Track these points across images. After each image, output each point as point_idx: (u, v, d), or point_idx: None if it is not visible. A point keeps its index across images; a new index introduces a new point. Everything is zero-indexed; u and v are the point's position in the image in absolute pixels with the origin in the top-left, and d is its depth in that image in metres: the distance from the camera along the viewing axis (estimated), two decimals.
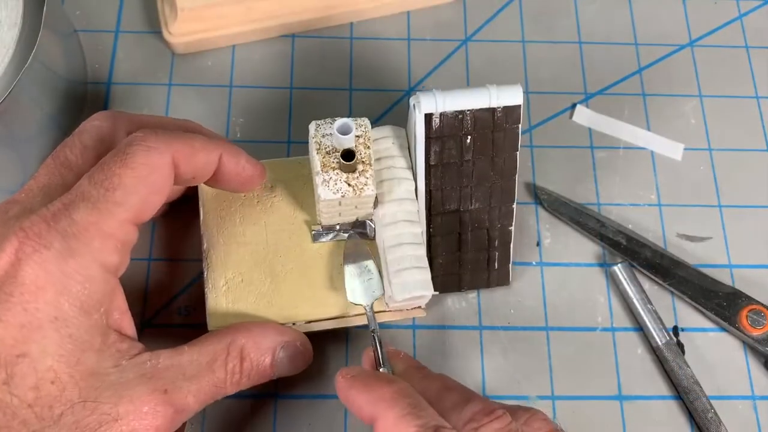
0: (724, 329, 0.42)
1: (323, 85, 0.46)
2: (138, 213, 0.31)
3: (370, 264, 0.37)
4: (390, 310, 0.38)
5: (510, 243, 0.40)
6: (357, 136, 0.35)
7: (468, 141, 0.36)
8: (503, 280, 0.41)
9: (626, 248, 0.42)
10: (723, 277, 0.43)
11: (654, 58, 0.49)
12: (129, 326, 0.32)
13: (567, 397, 0.40)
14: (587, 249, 0.43)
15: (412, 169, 0.37)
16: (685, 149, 0.46)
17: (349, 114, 0.46)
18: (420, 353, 0.40)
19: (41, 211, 0.29)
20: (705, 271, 0.42)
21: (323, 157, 0.34)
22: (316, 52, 0.47)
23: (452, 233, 0.38)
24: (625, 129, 0.46)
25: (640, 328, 0.41)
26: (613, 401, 0.40)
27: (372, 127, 0.36)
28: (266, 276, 0.37)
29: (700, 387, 0.39)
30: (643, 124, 0.47)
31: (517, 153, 0.38)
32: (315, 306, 0.37)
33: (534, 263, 0.43)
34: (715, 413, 0.39)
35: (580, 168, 0.45)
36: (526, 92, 0.47)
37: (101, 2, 0.48)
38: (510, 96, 0.35)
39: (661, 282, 0.42)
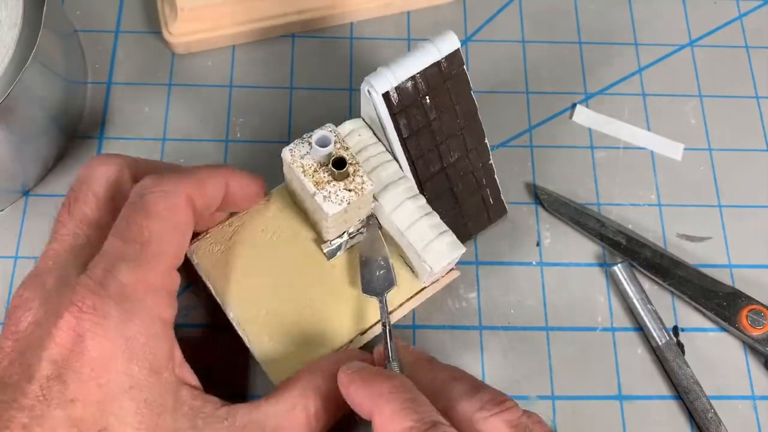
0: (724, 329, 0.42)
1: (323, 85, 0.46)
2: (175, 258, 0.31)
3: (384, 257, 0.37)
4: (428, 286, 0.38)
5: (494, 175, 0.40)
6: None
7: (428, 101, 0.36)
8: (501, 211, 0.41)
9: (626, 248, 0.42)
10: (723, 277, 0.43)
11: (654, 58, 0.49)
12: (191, 376, 0.31)
13: (567, 397, 0.40)
14: (587, 249, 0.43)
15: (389, 149, 0.37)
16: (685, 149, 0.46)
17: (350, 115, 0.46)
18: None
19: (84, 281, 0.28)
20: (705, 271, 0.42)
21: (312, 177, 0.34)
22: (316, 52, 0.47)
23: (445, 191, 0.39)
24: (625, 129, 0.46)
25: (640, 328, 0.41)
26: (613, 401, 0.40)
27: None
28: (301, 309, 0.37)
29: (700, 387, 0.39)
30: (643, 124, 0.47)
31: (471, 92, 0.38)
32: (357, 319, 0.37)
33: (534, 263, 0.43)
34: (715, 413, 0.39)
35: (580, 168, 0.45)
36: (526, 92, 0.47)
37: (101, 2, 0.48)
38: (447, 44, 0.36)
39: (661, 282, 0.42)
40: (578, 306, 0.42)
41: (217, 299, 0.37)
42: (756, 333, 0.40)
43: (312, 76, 0.47)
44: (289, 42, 0.47)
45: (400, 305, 0.38)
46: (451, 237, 0.36)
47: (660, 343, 0.40)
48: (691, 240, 0.44)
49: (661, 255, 0.42)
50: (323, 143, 0.34)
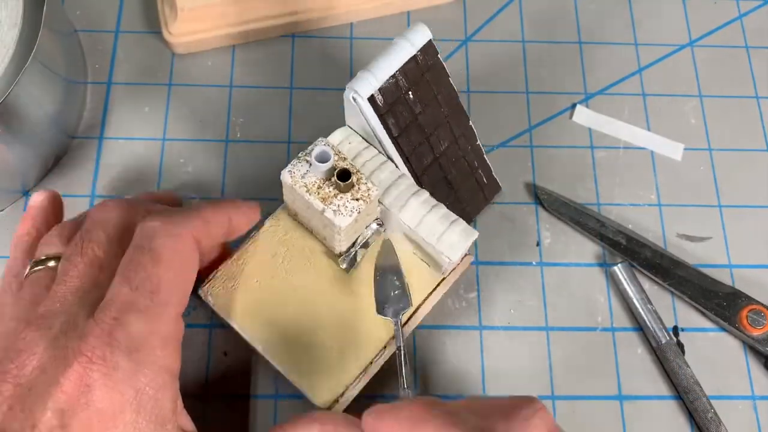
0: (724, 329, 0.42)
1: (323, 85, 0.46)
2: (182, 305, 0.31)
3: (398, 277, 0.37)
4: (447, 276, 0.38)
5: (483, 155, 0.41)
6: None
7: (411, 96, 0.36)
8: (495, 189, 0.42)
9: (626, 248, 0.42)
10: (723, 277, 0.43)
11: (654, 58, 0.49)
12: (188, 423, 0.31)
13: (567, 397, 0.40)
14: (587, 249, 0.43)
15: (381, 151, 0.37)
16: (685, 149, 0.46)
17: None
18: (420, 353, 0.40)
19: (94, 331, 0.28)
20: (705, 271, 0.42)
21: (318, 194, 0.34)
22: (316, 52, 0.47)
23: (440, 180, 0.39)
24: (625, 129, 0.46)
25: (640, 328, 0.41)
26: (613, 401, 0.40)
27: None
28: (335, 332, 0.36)
29: (700, 387, 0.39)
30: (643, 124, 0.47)
31: (449, 78, 0.38)
32: (385, 327, 0.37)
33: (534, 263, 0.43)
34: (715, 413, 0.39)
35: (580, 168, 0.45)
36: (526, 92, 0.47)
37: (101, 2, 0.48)
38: (419, 36, 0.36)
39: (661, 282, 0.42)
40: (578, 306, 0.42)
41: (243, 336, 0.36)
42: (756, 333, 0.40)
43: (312, 76, 0.47)
44: (289, 42, 0.47)
45: (425, 300, 0.38)
46: (461, 224, 0.36)
47: (660, 343, 0.40)
48: (691, 240, 0.44)
49: (661, 255, 0.42)
50: (323, 158, 0.34)
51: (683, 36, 0.50)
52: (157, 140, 0.44)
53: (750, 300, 0.41)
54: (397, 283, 0.37)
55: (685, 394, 0.39)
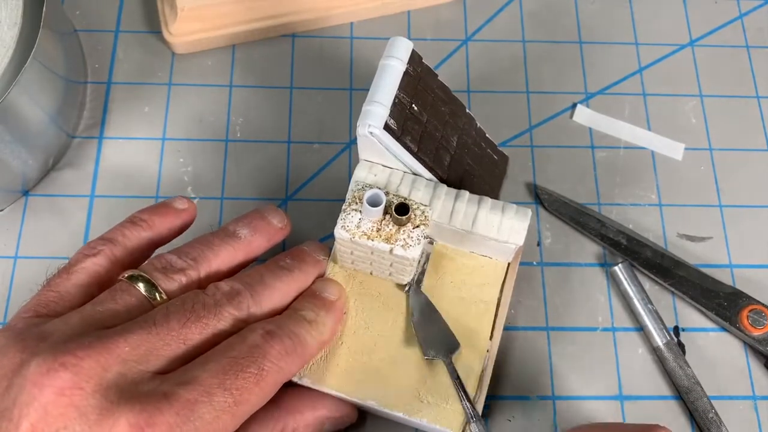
0: (724, 329, 0.42)
1: (323, 85, 0.46)
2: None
3: (437, 316, 0.36)
4: (512, 262, 0.38)
5: (486, 134, 0.41)
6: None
7: (415, 108, 0.36)
8: (505, 160, 0.42)
9: (627, 248, 0.42)
10: (724, 276, 0.43)
11: (654, 58, 0.49)
12: None
13: (567, 397, 0.40)
14: (587, 249, 0.43)
15: (407, 170, 0.37)
16: (685, 149, 0.46)
17: (350, 114, 0.46)
18: None
19: (160, 404, 0.27)
20: (706, 270, 0.42)
21: (380, 237, 0.33)
22: (316, 52, 0.47)
23: (463, 173, 0.39)
24: (626, 129, 0.46)
25: (640, 328, 0.41)
26: (614, 401, 0.40)
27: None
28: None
29: (701, 387, 0.39)
30: (644, 124, 0.47)
31: (437, 76, 0.38)
32: (479, 333, 0.36)
33: (534, 263, 0.43)
34: (716, 413, 0.39)
35: (580, 168, 0.45)
36: (527, 92, 0.47)
37: (101, 2, 0.48)
38: (404, 51, 0.36)
39: (661, 282, 0.42)
40: (579, 306, 0.42)
41: (352, 400, 0.35)
42: (757, 333, 0.40)
43: (312, 76, 0.47)
44: (289, 42, 0.47)
45: (502, 290, 0.37)
46: (512, 208, 0.36)
47: (661, 343, 0.40)
48: (691, 240, 0.44)
49: (662, 255, 0.42)
50: (377, 201, 0.33)
51: (684, 36, 0.50)
52: (157, 140, 0.44)
53: (750, 300, 0.41)
54: (438, 322, 0.36)
55: (685, 394, 0.39)
